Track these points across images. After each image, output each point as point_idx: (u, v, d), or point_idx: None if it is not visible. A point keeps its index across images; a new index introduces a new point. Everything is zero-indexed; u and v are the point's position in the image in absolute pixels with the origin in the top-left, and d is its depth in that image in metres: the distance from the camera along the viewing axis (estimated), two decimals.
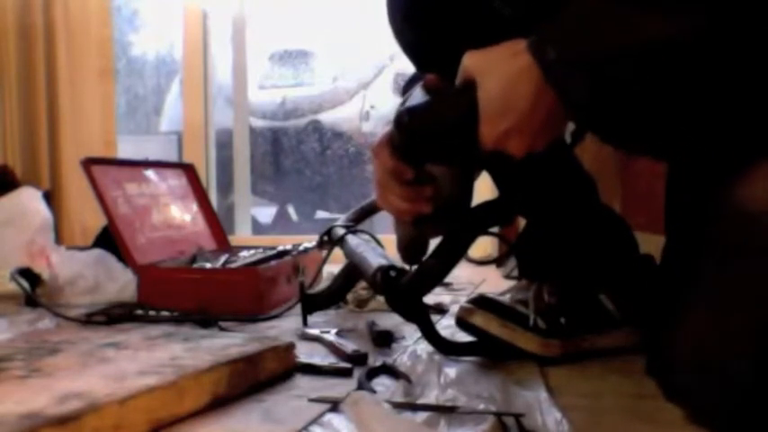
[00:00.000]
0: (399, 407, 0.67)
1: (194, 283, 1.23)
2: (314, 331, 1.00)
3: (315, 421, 0.64)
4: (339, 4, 3.34)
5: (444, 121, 0.72)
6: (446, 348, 0.89)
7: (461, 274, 1.60)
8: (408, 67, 0.93)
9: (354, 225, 1.25)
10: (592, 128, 0.82)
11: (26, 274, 1.31)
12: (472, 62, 0.69)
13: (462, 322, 0.89)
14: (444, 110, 0.72)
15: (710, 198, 0.69)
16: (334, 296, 1.18)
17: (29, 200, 1.54)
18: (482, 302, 0.88)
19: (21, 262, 1.36)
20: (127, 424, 0.58)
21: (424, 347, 0.91)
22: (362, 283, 1.20)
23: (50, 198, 1.83)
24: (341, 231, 1.21)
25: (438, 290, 1.21)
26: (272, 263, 1.35)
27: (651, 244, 0.92)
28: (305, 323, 1.09)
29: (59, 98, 2.26)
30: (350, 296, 1.22)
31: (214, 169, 2.59)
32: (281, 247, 1.49)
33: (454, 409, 0.66)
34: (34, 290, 1.30)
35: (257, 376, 0.75)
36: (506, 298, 0.90)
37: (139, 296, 1.26)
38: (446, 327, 1.01)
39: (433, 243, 0.87)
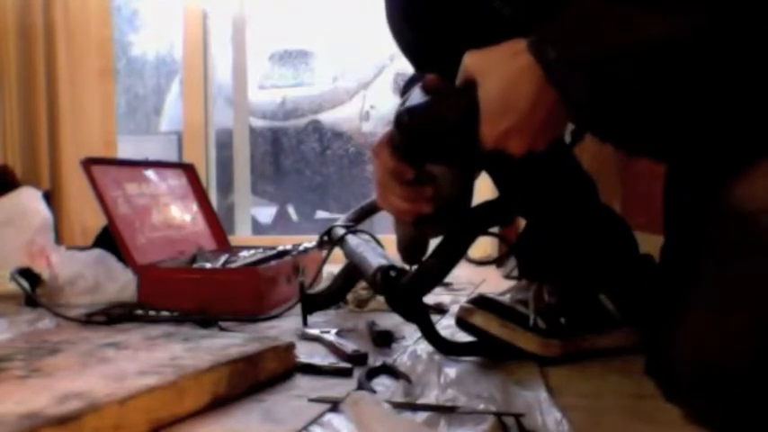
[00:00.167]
0: (399, 407, 0.67)
1: (194, 283, 1.23)
2: (314, 331, 1.00)
3: (315, 421, 0.64)
4: (339, 4, 3.34)
5: (445, 120, 0.72)
6: (446, 348, 0.89)
7: (461, 274, 1.60)
8: (408, 67, 0.93)
9: (354, 225, 1.25)
10: (592, 128, 0.82)
11: (26, 274, 1.31)
12: (472, 62, 0.69)
13: (462, 322, 0.89)
14: (445, 110, 0.72)
15: (710, 198, 0.69)
16: (334, 296, 1.18)
17: (29, 200, 1.54)
18: (482, 302, 0.88)
19: (21, 262, 1.36)
20: (127, 424, 0.58)
21: (424, 347, 0.91)
22: (362, 283, 1.20)
23: (50, 198, 1.83)
24: (341, 231, 1.21)
25: (438, 290, 1.21)
26: (272, 263, 1.35)
27: (651, 244, 0.91)
28: (305, 323, 1.09)
29: (59, 98, 2.26)
30: (350, 296, 1.22)
31: (214, 169, 2.59)
32: (281, 247, 1.49)
33: (454, 409, 0.66)
34: (34, 290, 1.30)
35: (257, 376, 0.75)
36: (506, 298, 0.90)
37: (139, 296, 1.26)
38: (446, 327, 1.01)
39: (433, 243, 0.87)
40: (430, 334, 0.89)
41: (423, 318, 0.89)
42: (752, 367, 0.59)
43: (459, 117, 0.70)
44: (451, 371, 0.81)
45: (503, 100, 0.66)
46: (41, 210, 1.52)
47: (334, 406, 0.67)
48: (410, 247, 0.89)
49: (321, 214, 3.55)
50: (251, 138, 2.70)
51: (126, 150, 2.49)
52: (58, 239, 1.79)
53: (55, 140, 2.28)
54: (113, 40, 2.42)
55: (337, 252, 1.19)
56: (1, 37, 2.25)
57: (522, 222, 1.04)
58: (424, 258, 0.88)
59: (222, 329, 1.05)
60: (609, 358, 0.86)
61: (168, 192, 1.60)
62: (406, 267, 0.91)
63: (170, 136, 3.28)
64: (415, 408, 0.67)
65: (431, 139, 0.73)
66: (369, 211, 1.31)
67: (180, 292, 1.21)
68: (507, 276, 1.66)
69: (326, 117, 3.37)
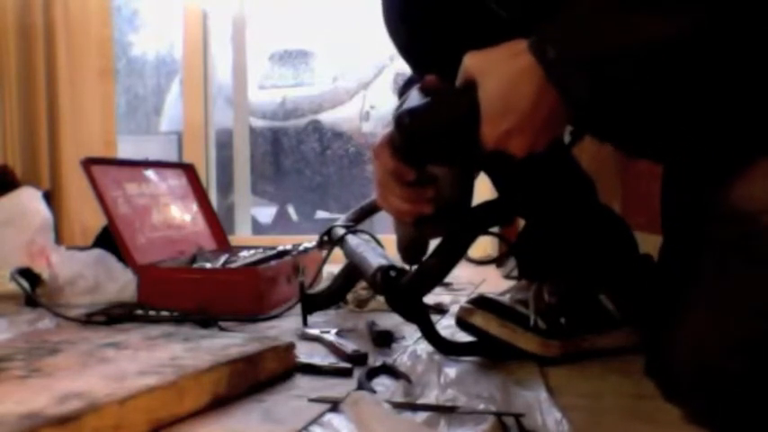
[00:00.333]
0: (399, 407, 0.67)
1: (194, 283, 1.23)
2: (314, 331, 1.00)
3: (315, 421, 0.64)
4: (339, 4, 3.34)
5: (445, 121, 0.72)
6: (446, 348, 0.89)
7: (461, 274, 1.60)
8: (408, 68, 0.93)
9: (354, 225, 1.25)
10: (592, 128, 0.82)
11: (26, 274, 1.31)
12: (473, 62, 0.69)
13: (462, 322, 0.89)
14: (445, 110, 0.72)
15: (709, 198, 0.69)
16: (334, 296, 1.18)
17: (29, 200, 1.54)
18: (482, 302, 0.88)
19: (21, 262, 1.36)
20: (127, 424, 0.58)
21: (424, 347, 0.91)
22: (362, 283, 1.20)
23: (50, 198, 1.83)
24: (341, 231, 1.21)
25: (438, 290, 1.21)
26: (272, 263, 1.35)
27: (651, 244, 0.91)
28: (305, 323, 1.09)
29: (59, 98, 2.26)
30: (350, 296, 1.22)
31: (214, 169, 2.59)
32: (281, 247, 1.49)
33: (454, 409, 0.66)
34: (34, 290, 1.30)
35: (257, 376, 0.75)
36: (506, 298, 0.90)
37: (139, 296, 1.26)
38: (446, 327, 1.01)
39: (433, 243, 0.87)
40: (430, 334, 0.89)
41: (423, 318, 0.89)
42: (752, 367, 0.59)
43: (459, 118, 0.70)
44: (451, 371, 0.81)
45: (503, 100, 0.66)
46: (41, 210, 1.52)
47: (334, 406, 0.67)
48: (410, 248, 0.89)
49: (321, 214, 3.55)
50: (251, 138, 2.70)
51: (126, 150, 2.49)
52: (58, 239, 1.79)
53: (55, 140, 2.28)
54: (113, 40, 2.42)
55: (337, 252, 1.19)
56: (1, 37, 2.25)
57: (522, 222, 1.04)
58: (424, 258, 0.88)
59: (222, 329, 1.05)
60: (609, 358, 0.86)
61: (168, 192, 1.60)
62: (406, 267, 0.91)
63: (170, 136, 3.28)
64: (415, 408, 0.67)
65: (431, 140, 0.73)
66: (369, 211, 1.31)
67: (180, 292, 1.21)
68: (507, 276, 1.66)
69: (326, 117, 3.37)
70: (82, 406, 0.56)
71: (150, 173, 1.59)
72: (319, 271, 1.27)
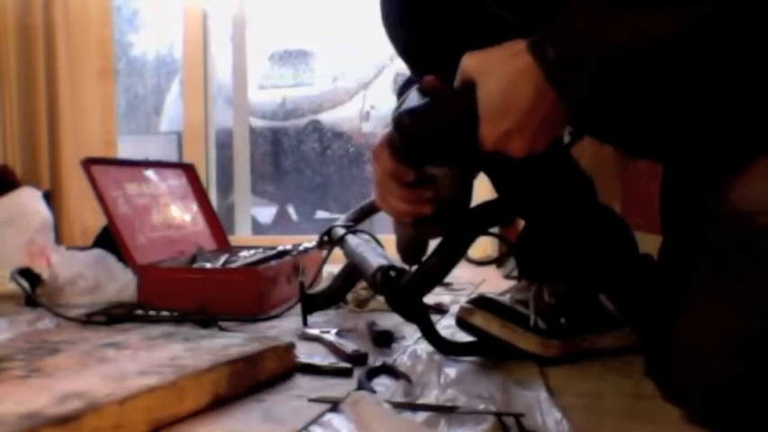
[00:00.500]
0: (399, 407, 0.67)
1: (194, 283, 1.23)
2: (314, 331, 1.00)
3: (315, 421, 0.64)
4: (339, 4, 3.34)
5: (444, 122, 0.72)
6: (446, 348, 0.89)
7: (461, 274, 1.60)
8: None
9: (354, 225, 1.25)
10: (591, 128, 0.82)
11: (26, 274, 1.31)
12: (472, 63, 0.69)
13: (462, 322, 0.89)
14: (444, 111, 0.72)
15: (708, 198, 0.69)
16: (334, 296, 1.18)
17: (29, 200, 1.54)
18: (482, 303, 0.88)
19: (21, 262, 1.36)
20: (127, 424, 0.58)
21: (424, 347, 0.91)
22: (362, 283, 1.20)
23: (50, 198, 1.83)
24: (341, 231, 1.21)
25: (438, 290, 1.21)
26: (272, 263, 1.35)
27: (650, 244, 0.92)
28: (305, 323, 1.09)
29: (59, 98, 2.27)
30: (350, 296, 1.23)
31: (214, 169, 2.59)
32: (281, 247, 1.49)
33: (454, 409, 0.66)
34: (34, 290, 1.30)
35: (257, 376, 0.75)
36: (506, 298, 0.90)
37: (139, 296, 1.26)
38: (446, 327, 1.01)
39: (433, 243, 0.87)
40: (430, 334, 0.89)
41: (423, 318, 0.89)
42: (752, 367, 0.59)
43: (458, 118, 0.70)
44: (451, 371, 0.81)
45: (502, 100, 0.66)
46: (41, 210, 1.53)
47: (334, 406, 0.67)
48: (410, 248, 0.89)
49: (321, 214, 3.55)
50: (251, 138, 2.70)
51: (126, 150, 2.49)
52: (58, 239, 1.79)
53: (55, 140, 2.28)
54: (113, 40, 2.42)
55: (337, 252, 1.19)
56: (1, 37, 2.26)
57: (521, 222, 1.04)
58: (423, 259, 0.88)
59: (222, 329, 1.05)
60: (609, 358, 0.86)
61: (168, 192, 1.60)
62: (406, 267, 0.91)
63: (170, 136, 3.28)
64: (415, 408, 0.67)
65: (431, 140, 0.73)
66: (369, 211, 1.31)
67: (180, 292, 1.21)
68: (507, 276, 1.66)
69: (326, 117, 3.37)
70: (82, 406, 0.56)
71: (150, 173, 1.59)
72: (319, 271, 1.27)
